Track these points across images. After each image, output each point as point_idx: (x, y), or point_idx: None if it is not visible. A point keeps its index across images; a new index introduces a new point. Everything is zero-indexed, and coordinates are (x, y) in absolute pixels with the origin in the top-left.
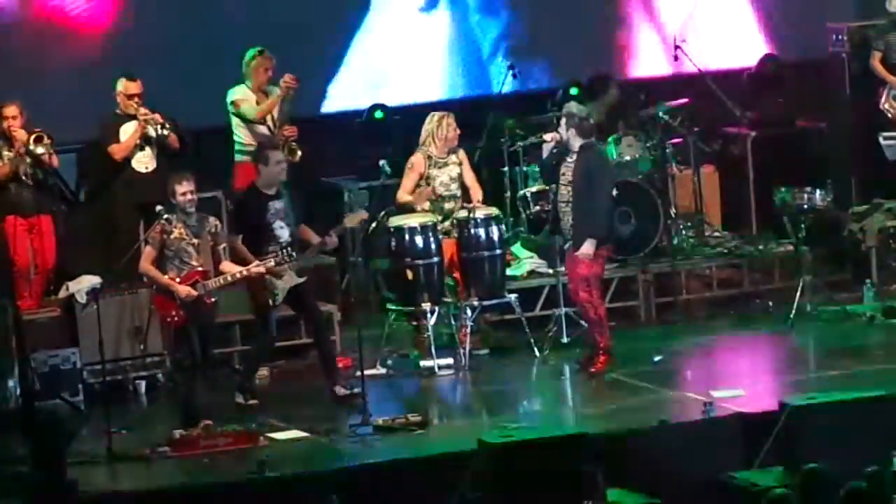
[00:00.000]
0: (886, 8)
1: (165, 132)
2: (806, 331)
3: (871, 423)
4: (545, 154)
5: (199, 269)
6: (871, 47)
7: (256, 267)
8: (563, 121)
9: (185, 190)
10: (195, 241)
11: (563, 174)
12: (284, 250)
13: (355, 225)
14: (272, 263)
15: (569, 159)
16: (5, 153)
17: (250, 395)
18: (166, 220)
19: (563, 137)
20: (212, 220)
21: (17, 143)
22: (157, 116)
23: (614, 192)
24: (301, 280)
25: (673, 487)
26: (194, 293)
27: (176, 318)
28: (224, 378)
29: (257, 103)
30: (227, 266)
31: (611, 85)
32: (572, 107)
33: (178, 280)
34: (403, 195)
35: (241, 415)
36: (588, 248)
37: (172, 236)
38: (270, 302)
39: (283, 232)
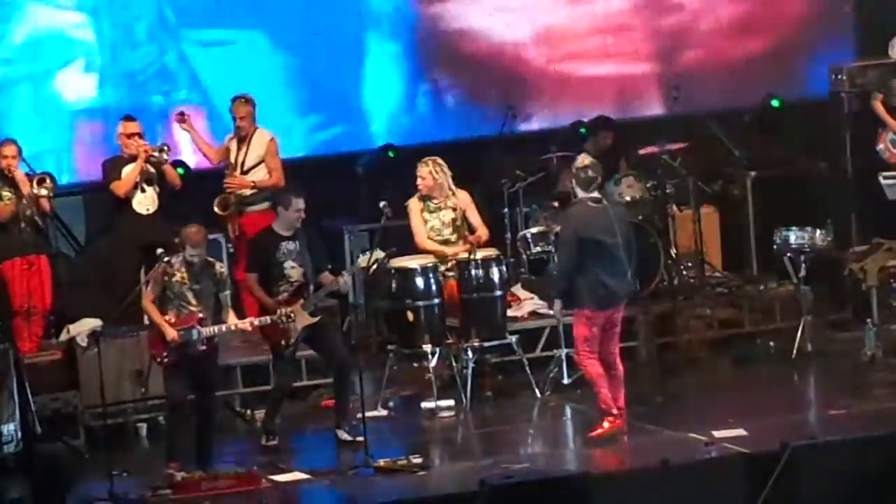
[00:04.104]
0: (889, 53)
1: (165, 156)
2: (807, 370)
3: (874, 464)
4: None
5: (198, 314)
6: (872, 90)
7: (245, 323)
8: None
9: (195, 253)
10: (196, 286)
11: None
12: (283, 313)
13: (370, 264)
14: (268, 321)
15: None
16: (5, 193)
17: (270, 436)
18: (168, 262)
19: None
20: (217, 266)
21: (19, 182)
22: (151, 148)
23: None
24: (314, 320)
25: None
26: (178, 339)
27: (166, 360)
28: (226, 420)
29: (230, 146)
30: (230, 316)
31: (602, 127)
32: (576, 160)
33: (174, 322)
34: (422, 241)
35: (242, 456)
36: (552, 305)
37: (174, 279)
38: (283, 342)
39: (293, 272)
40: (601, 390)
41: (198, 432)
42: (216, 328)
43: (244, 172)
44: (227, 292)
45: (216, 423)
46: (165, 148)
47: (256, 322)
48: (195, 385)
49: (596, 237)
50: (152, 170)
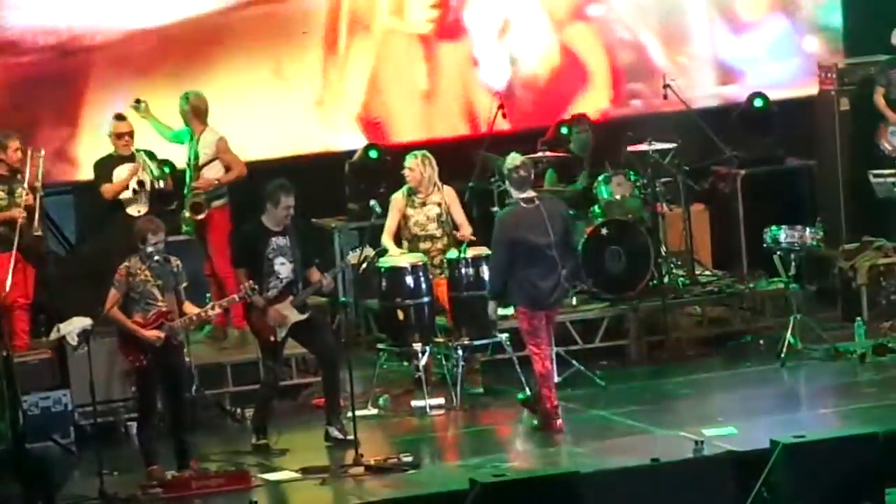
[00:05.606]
0: (892, 42)
1: (159, 181)
2: (797, 369)
3: (863, 461)
4: None
5: (164, 309)
6: (873, 83)
7: (213, 309)
8: None
9: (157, 241)
10: (159, 281)
11: None
12: (247, 286)
13: (360, 262)
14: (235, 300)
15: None
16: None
17: (261, 434)
18: (127, 265)
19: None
20: (173, 259)
21: (24, 178)
22: (153, 165)
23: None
24: (303, 317)
25: None
26: (163, 337)
27: (144, 363)
28: (216, 419)
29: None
30: (189, 307)
31: (577, 122)
32: (506, 160)
33: (143, 322)
34: (386, 238)
35: (232, 455)
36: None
37: (138, 279)
38: (272, 339)
39: (283, 268)
40: (542, 388)
41: (173, 433)
42: (186, 319)
43: (198, 169)
44: (185, 284)
45: (190, 421)
46: (162, 169)
47: (224, 303)
48: (167, 385)
49: (527, 238)
50: (146, 179)
